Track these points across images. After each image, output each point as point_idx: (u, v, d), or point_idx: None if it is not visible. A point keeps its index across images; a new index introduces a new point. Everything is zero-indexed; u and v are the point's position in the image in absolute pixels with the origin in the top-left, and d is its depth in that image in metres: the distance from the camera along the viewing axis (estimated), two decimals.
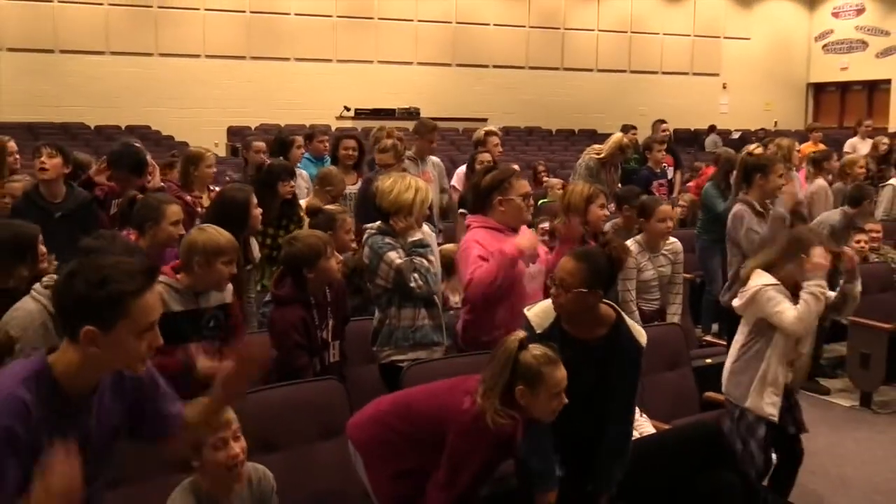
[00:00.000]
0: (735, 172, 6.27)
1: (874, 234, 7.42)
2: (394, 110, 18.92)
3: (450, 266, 4.89)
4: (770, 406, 4.01)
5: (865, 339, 6.47)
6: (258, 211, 4.78)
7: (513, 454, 3.25)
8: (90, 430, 2.28)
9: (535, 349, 3.11)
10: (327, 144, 7.96)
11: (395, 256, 4.08)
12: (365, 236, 4.26)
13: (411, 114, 18.97)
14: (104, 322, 2.14)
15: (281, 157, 7.17)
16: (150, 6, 17.51)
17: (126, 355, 2.21)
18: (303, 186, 6.89)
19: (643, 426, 4.08)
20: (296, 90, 18.67)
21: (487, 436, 3.01)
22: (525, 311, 3.55)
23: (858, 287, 4.32)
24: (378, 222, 4.25)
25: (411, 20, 20.01)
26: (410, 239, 4.13)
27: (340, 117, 18.74)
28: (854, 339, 6.63)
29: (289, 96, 18.57)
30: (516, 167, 5.63)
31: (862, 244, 7.35)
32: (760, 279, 4.05)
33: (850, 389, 6.72)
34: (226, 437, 2.79)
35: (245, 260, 4.71)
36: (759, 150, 8.80)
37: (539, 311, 3.50)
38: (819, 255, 3.91)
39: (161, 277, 3.53)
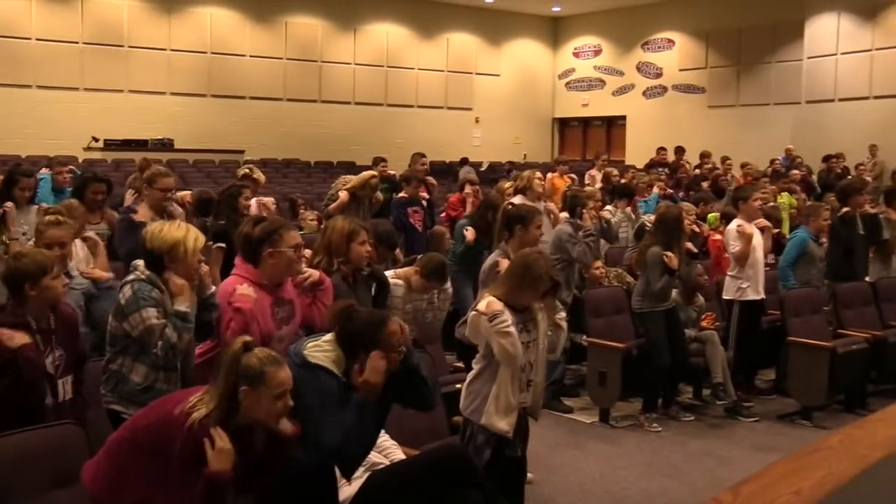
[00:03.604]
0: (497, 221, 6.47)
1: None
2: (146, 141, 18.34)
3: None
4: (504, 423, 4.22)
5: (602, 359, 6.93)
6: None
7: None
8: None
9: (260, 351, 3.13)
10: (66, 176, 7.56)
11: (153, 315, 3.78)
12: (131, 276, 3.91)
13: (165, 144, 18.51)
14: None
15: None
16: None
17: None
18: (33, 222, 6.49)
19: (394, 453, 4.17)
20: (39, 119, 17.74)
21: (194, 438, 2.97)
22: (326, 364, 3.54)
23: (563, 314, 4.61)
24: (145, 266, 3.91)
25: (164, 49, 19.54)
26: (176, 307, 3.84)
27: (88, 148, 17.90)
28: (592, 358, 7.09)
29: (31, 125, 17.61)
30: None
31: (600, 270, 7.91)
32: (481, 303, 4.28)
33: (591, 406, 7.16)
34: None
35: None
36: (509, 185, 9.26)
37: (332, 358, 3.55)
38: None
39: None
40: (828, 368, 6.86)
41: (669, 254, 6.69)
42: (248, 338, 3.20)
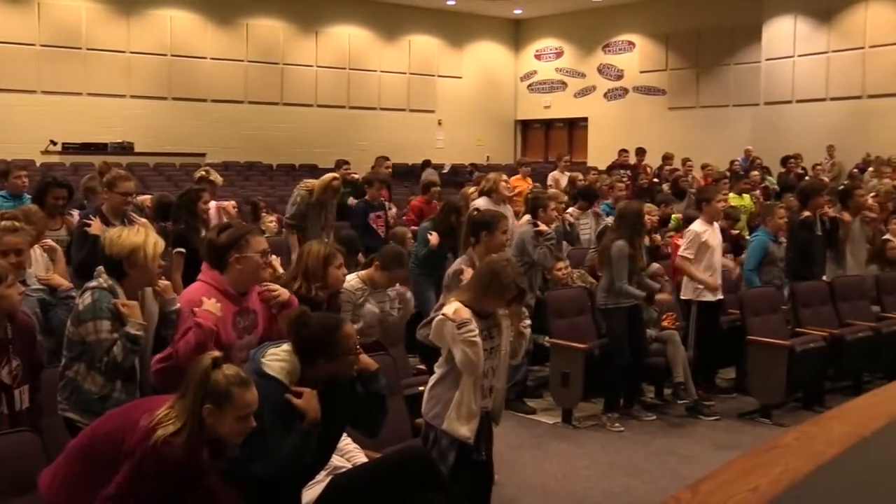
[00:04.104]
0: (461, 225, 6.48)
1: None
2: (106, 145, 18.12)
3: None
4: (465, 430, 4.22)
5: (565, 359, 6.95)
6: None
7: (197, 481, 3.13)
8: None
9: (228, 369, 3.11)
10: (25, 180, 7.47)
11: (106, 328, 3.73)
12: (93, 283, 3.84)
13: (125, 148, 18.31)
14: None
15: None
16: None
17: None
18: None
19: (356, 456, 4.16)
20: None
21: (158, 455, 2.94)
22: (279, 376, 3.51)
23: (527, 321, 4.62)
24: (105, 273, 3.84)
25: (123, 51, 19.33)
26: (128, 329, 3.72)
27: (46, 152, 17.66)
28: (555, 359, 7.11)
29: None
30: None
31: (563, 271, 7.93)
32: (448, 308, 4.28)
33: (553, 407, 7.19)
34: None
35: None
36: (474, 190, 9.25)
37: (288, 369, 3.52)
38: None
39: None
40: (786, 367, 6.95)
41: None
42: (216, 353, 3.17)
